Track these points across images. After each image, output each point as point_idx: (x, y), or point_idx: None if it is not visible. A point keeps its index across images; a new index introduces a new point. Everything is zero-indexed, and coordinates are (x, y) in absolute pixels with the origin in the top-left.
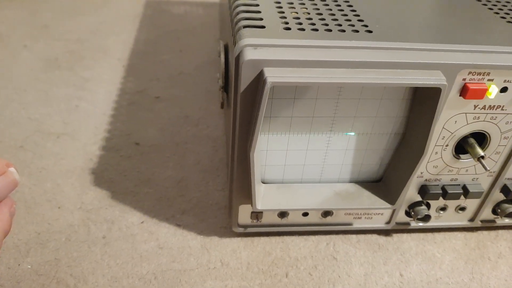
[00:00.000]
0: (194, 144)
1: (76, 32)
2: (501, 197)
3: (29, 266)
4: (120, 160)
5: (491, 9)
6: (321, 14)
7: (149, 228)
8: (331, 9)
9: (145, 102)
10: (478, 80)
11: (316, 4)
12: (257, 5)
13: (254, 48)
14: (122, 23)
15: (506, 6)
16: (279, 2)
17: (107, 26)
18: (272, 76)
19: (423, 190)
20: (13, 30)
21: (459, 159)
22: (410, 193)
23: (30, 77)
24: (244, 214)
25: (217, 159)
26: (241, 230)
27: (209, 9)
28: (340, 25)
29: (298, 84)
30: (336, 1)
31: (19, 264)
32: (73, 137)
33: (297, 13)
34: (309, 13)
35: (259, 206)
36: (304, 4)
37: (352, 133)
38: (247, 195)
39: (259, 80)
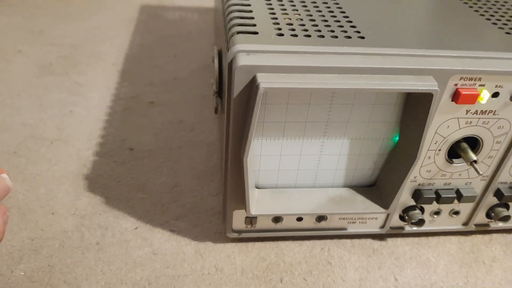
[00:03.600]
0: (188, 149)
1: (71, 37)
2: (495, 201)
3: (22, 273)
4: (114, 166)
5: (482, 15)
6: (314, 20)
7: (143, 234)
8: (324, 15)
9: (140, 107)
10: (469, 86)
11: (309, 10)
12: (251, 11)
13: (247, 54)
14: (116, 28)
15: (497, 12)
16: (273, 8)
17: (102, 31)
18: (265, 81)
19: (417, 194)
20: (7, 35)
21: (452, 163)
22: (404, 198)
23: (24, 82)
24: (238, 219)
25: (212, 164)
26: (235, 235)
27: (204, 15)
28: (332, 31)
29: (290, 89)
30: (329, 7)
31: (12, 271)
32: (67, 142)
33: (290, 19)
34: (302, 19)
35: (253, 211)
36: (297, 10)
37: None
38: (241, 201)
39: (252, 85)
